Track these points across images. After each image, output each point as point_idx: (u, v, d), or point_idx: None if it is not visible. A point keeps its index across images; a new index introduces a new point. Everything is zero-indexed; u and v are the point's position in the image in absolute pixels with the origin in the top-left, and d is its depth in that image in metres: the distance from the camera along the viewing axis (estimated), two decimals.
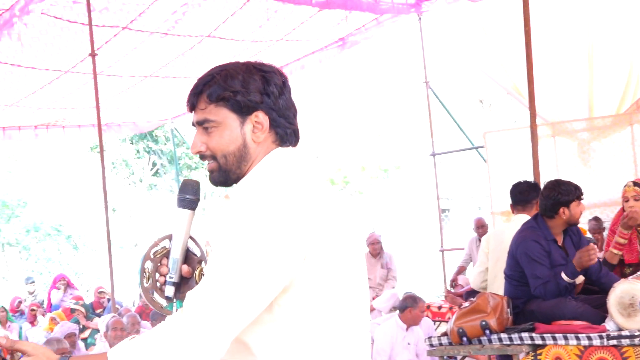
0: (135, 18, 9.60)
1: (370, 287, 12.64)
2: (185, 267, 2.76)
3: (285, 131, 2.69)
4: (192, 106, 2.69)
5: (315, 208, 2.51)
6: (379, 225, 23.67)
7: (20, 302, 15.73)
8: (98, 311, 14.64)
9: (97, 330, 12.34)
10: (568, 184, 6.81)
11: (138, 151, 31.12)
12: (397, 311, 9.96)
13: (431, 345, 7.22)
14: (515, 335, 6.64)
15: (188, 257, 2.79)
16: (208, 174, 2.76)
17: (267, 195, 2.47)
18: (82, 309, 13.90)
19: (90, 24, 8.67)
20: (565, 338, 6.36)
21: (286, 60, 13.07)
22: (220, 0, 9.69)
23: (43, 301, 16.44)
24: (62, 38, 9.74)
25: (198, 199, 2.79)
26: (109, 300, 14.29)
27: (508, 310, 6.84)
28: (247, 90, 2.62)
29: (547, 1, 11.03)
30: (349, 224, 2.68)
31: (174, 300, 2.76)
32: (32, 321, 14.37)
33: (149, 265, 2.82)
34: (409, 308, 9.61)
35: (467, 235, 13.96)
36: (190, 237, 2.80)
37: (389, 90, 27.38)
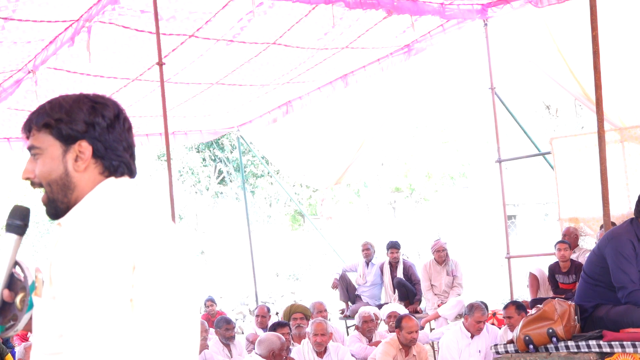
0: (202, 26, 9.68)
1: (435, 294, 12.74)
2: (6, 292, 2.72)
3: (111, 163, 2.70)
4: (27, 134, 2.72)
5: (142, 243, 2.51)
6: (445, 232, 23.59)
7: None
8: None
9: None
10: None
11: (204, 159, 31.36)
12: (462, 319, 9.95)
13: (497, 352, 7.17)
14: (582, 343, 6.56)
15: (12, 281, 2.75)
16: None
17: (94, 235, 2.45)
18: None
19: (157, 33, 8.74)
20: (634, 346, 6.27)
21: (351, 67, 13.08)
22: (286, 7, 9.72)
23: None
24: (129, 47, 9.85)
25: (26, 225, 2.76)
26: None
27: (576, 317, 6.76)
28: (71, 119, 2.65)
29: (615, 6, 10.90)
30: (181, 256, 2.69)
31: None
32: None
33: None
34: (466, 315, 9.63)
35: (534, 242, 13.83)
36: (16, 262, 2.77)
37: (455, 97, 27.24)
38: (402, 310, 11.55)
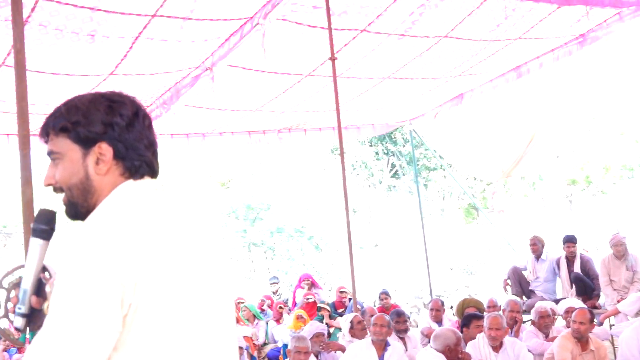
0: (373, 20, 9.70)
1: (615, 289, 12.41)
2: (34, 299, 2.65)
3: (133, 163, 2.60)
4: (45, 139, 2.63)
5: (149, 250, 2.37)
6: (624, 226, 22.92)
7: (263, 301, 16.21)
8: (340, 310, 14.90)
9: (339, 329, 12.56)
10: None
11: (377, 153, 31.46)
12: None
13: None
14: None
15: (40, 287, 2.68)
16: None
17: (89, 243, 2.32)
18: (328, 308, 14.19)
19: (329, 28, 8.83)
20: None
21: (524, 58, 12.87)
22: (457, 0, 9.65)
23: (287, 299, 16.88)
24: (302, 43, 9.97)
25: (52, 229, 2.65)
26: (350, 299, 14.52)
27: None
28: (89, 121, 2.55)
29: None
30: (203, 257, 2.55)
31: (27, 331, 2.65)
32: (278, 319, 14.79)
33: (0, 294, 2.76)
34: None
35: None
36: (44, 267, 2.69)
37: (632, 87, 26.46)
38: (580, 305, 11.30)
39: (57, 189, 2.63)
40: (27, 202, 4.36)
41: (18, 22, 4.97)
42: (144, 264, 2.33)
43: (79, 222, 2.59)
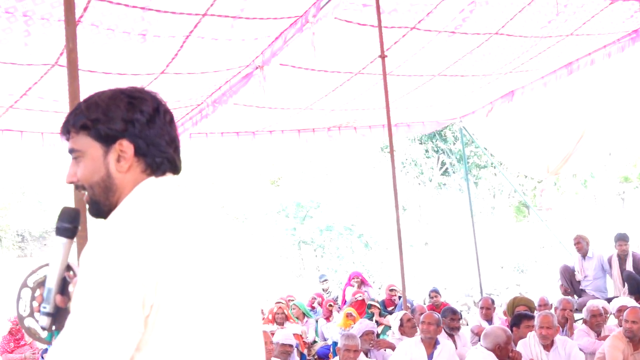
0: (423, 18, 9.68)
1: None
2: (59, 297, 2.63)
3: (154, 160, 2.56)
4: (66, 137, 2.60)
5: (170, 249, 2.34)
6: None
7: (314, 299, 16.24)
8: (390, 308, 14.89)
9: (389, 327, 12.55)
10: None
11: (427, 151, 31.36)
12: None
13: None
14: None
15: (65, 286, 2.66)
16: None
17: (110, 243, 2.30)
18: (378, 306, 14.19)
19: (379, 26, 8.83)
20: None
21: (576, 55, 12.77)
22: None
23: (337, 297, 16.89)
24: (352, 41, 9.97)
25: (76, 227, 2.64)
26: (399, 297, 14.50)
27: None
28: (109, 118, 2.52)
29: None
30: (226, 255, 2.52)
31: (52, 330, 2.65)
32: (328, 317, 14.81)
33: (25, 292, 2.75)
34: None
35: None
36: (69, 266, 2.68)
37: None
38: (632, 304, 11.18)
39: (79, 187, 2.62)
40: (80, 200, 4.40)
41: (70, 22, 5.02)
42: (165, 263, 2.32)
43: (102, 220, 2.59)
